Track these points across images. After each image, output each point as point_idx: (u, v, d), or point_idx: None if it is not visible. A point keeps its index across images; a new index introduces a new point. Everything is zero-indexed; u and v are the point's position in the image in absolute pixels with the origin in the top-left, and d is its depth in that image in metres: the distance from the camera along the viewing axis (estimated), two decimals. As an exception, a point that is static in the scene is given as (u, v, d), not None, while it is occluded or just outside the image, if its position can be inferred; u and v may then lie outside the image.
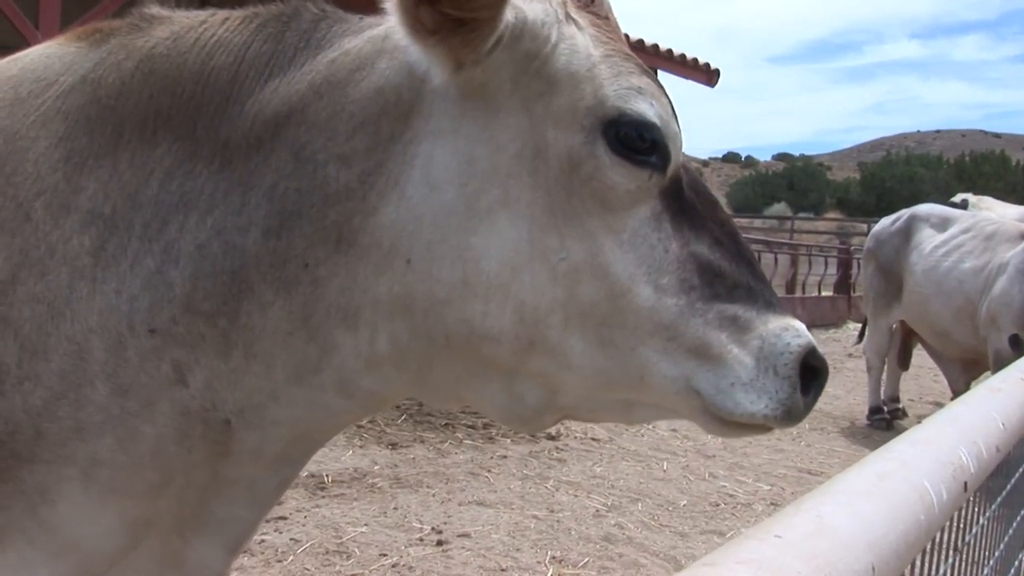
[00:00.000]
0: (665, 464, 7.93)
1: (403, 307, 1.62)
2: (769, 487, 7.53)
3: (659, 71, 14.77)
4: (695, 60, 14.89)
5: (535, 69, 1.64)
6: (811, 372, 1.69)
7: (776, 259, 20.69)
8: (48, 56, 1.77)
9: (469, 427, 8.50)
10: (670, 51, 14.21)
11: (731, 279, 1.68)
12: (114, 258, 1.61)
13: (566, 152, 1.63)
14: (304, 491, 6.43)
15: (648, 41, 13.73)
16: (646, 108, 1.65)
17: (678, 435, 8.96)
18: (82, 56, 1.74)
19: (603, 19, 1.79)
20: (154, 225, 1.62)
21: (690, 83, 15.47)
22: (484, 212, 1.60)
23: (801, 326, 1.72)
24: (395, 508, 6.24)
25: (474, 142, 1.61)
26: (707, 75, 15.23)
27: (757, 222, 47.01)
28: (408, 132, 1.63)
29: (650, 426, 8.86)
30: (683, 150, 1.74)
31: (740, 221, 44.65)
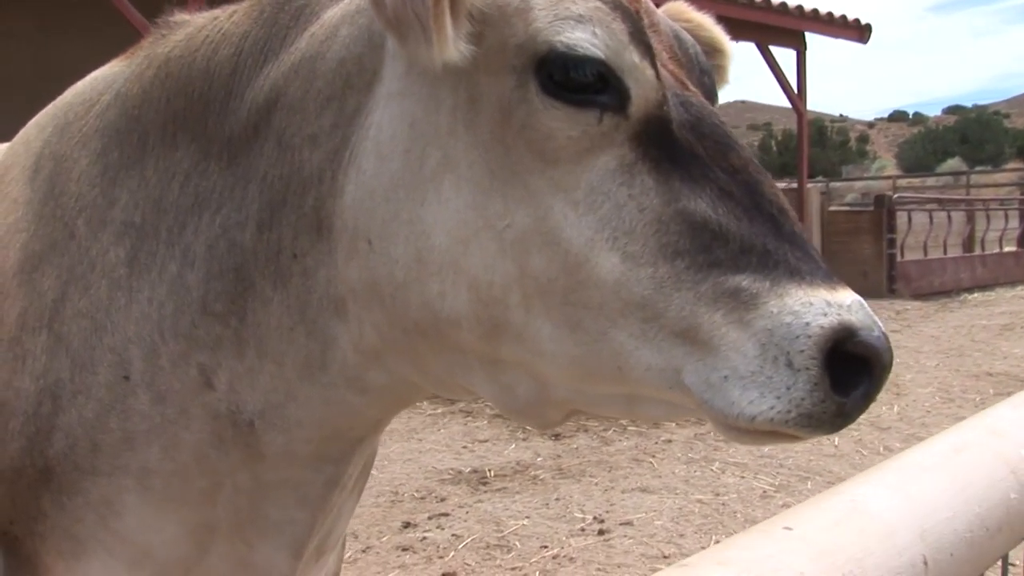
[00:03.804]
0: (836, 439, 7.58)
1: (374, 294, 1.49)
2: (951, 457, 7.11)
3: (807, 33, 14.27)
4: (843, 17, 14.28)
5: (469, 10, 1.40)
6: (857, 363, 1.25)
7: (950, 216, 19.65)
8: (95, 79, 1.82)
9: (632, 413, 8.36)
10: (815, 11, 13.69)
11: (739, 241, 1.31)
12: (145, 266, 1.63)
13: (496, 99, 1.39)
14: (467, 486, 6.47)
15: (791, 3, 13.25)
16: (583, 38, 1.34)
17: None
18: (119, 73, 1.78)
19: None
20: (175, 229, 1.62)
21: (841, 42, 14.88)
22: (429, 179, 1.42)
23: (845, 298, 1.29)
24: (557, 499, 6.20)
25: (415, 100, 1.44)
26: (858, 32, 14.60)
27: (930, 180, 44.87)
28: (371, 102, 1.50)
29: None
30: (653, 84, 1.38)
31: (912, 181, 42.76)
